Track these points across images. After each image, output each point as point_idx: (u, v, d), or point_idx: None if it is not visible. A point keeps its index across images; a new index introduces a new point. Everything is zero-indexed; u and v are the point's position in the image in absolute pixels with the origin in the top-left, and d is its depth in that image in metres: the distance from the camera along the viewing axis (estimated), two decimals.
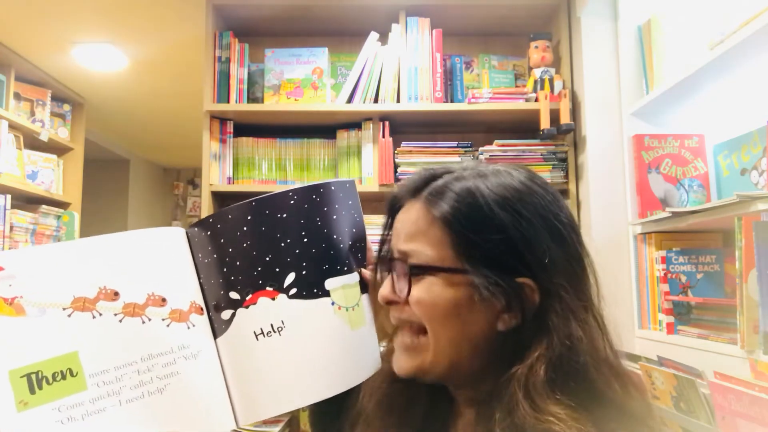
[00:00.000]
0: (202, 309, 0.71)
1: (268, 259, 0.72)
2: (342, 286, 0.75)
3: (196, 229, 0.73)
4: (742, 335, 1.09)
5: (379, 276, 0.68)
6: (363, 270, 0.80)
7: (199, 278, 0.72)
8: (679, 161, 1.58)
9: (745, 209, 1.12)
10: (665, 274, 1.44)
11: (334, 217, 0.77)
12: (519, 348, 0.55)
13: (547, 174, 1.89)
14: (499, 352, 0.57)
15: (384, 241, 0.68)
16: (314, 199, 0.75)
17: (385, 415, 0.66)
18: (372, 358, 0.76)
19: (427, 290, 0.58)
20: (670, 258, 1.45)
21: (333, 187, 0.77)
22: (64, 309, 0.61)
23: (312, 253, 0.74)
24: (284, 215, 0.73)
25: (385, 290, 0.62)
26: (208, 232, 0.73)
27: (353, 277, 0.77)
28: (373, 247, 0.78)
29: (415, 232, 0.60)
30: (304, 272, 0.73)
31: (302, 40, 2.15)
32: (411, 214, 0.61)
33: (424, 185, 0.62)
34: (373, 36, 2.00)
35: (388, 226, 0.67)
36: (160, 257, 0.69)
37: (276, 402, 0.70)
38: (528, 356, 0.54)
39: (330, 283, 0.74)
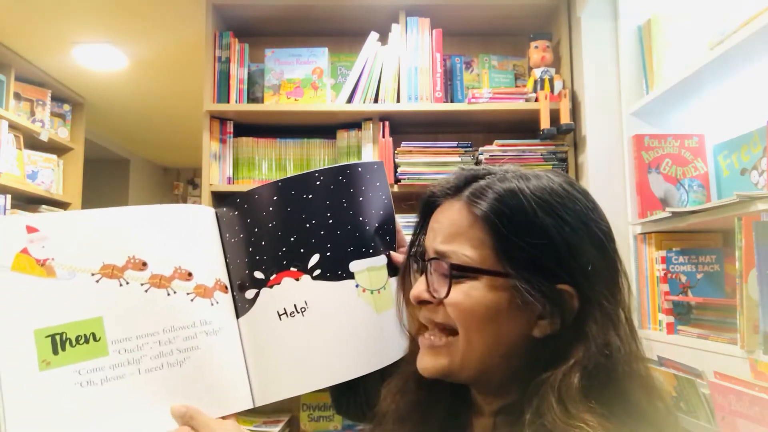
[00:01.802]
0: (226, 287, 0.71)
1: (293, 239, 0.72)
2: (367, 268, 0.75)
3: (224, 209, 0.74)
4: (742, 335, 1.09)
5: (410, 275, 0.66)
6: (393, 253, 0.78)
7: (225, 258, 0.72)
8: (679, 161, 1.58)
9: (745, 209, 1.12)
10: (665, 274, 1.44)
11: (361, 199, 0.76)
12: (552, 356, 0.54)
13: None
14: (531, 359, 0.56)
15: (416, 239, 0.66)
16: (341, 181, 0.75)
17: (403, 419, 0.65)
18: (397, 343, 0.75)
19: (466, 293, 0.56)
20: (670, 258, 1.45)
21: (360, 169, 0.77)
22: (93, 275, 0.63)
23: (337, 235, 0.73)
24: (310, 196, 0.73)
25: (419, 290, 0.60)
26: (236, 212, 0.73)
27: (380, 260, 0.76)
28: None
29: (454, 233, 0.58)
30: (328, 254, 0.73)
31: (302, 40, 2.15)
32: (450, 214, 0.59)
33: (465, 185, 0.60)
34: (373, 36, 2.00)
35: (421, 225, 0.65)
36: (189, 233, 0.70)
37: (294, 382, 0.70)
38: (563, 363, 0.53)
39: (354, 266, 0.74)
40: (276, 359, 0.70)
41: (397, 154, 1.95)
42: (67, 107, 3.11)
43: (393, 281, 0.77)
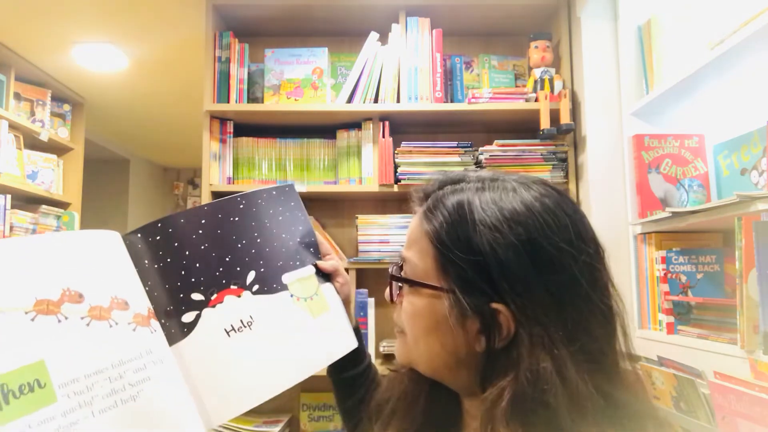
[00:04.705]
0: (155, 315, 0.69)
1: (228, 259, 0.78)
2: (297, 279, 0.84)
3: (138, 235, 0.72)
4: (742, 335, 1.09)
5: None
6: (319, 262, 0.89)
7: (145, 285, 0.69)
8: (679, 161, 1.58)
9: (745, 209, 1.12)
10: (665, 274, 1.44)
11: (280, 218, 0.86)
12: (495, 373, 0.53)
13: (547, 174, 1.89)
14: (483, 369, 0.55)
15: None
16: (260, 204, 0.85)
17: (403, 415, 0.66)
18: (341, 340, 0.86)
19: (410, 301, 0.60)
20: (670, 258, 1.45)
21: (274, 192, 0.88)
22: (26, 313, 0.55)
23: (266, 252, 0.82)
24: (237, 218, 0.81)
25: (386, 292, 0.66)
26: (158, 237, 0.73)
27: (307, 270, 0.87)
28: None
29: (412, 241, 0.61)
30: (262, 270, 0.81)
31: (302, 40, 2.16)
32: (414, 221, 0.62)
33: (431, 193, 0.62)
34: (373, 36, 2.00)
35: None
36: (113, 261, 0.66)
37: (253, 393, 0.72)
38: (497, 384, 0.51)
39: (286, 278, 0.83)
40: (232, 375, 0.72)
41: (397, 154, 1.95)
42: (67, 107, 3.12)
43: (325, 287, 0.88)
